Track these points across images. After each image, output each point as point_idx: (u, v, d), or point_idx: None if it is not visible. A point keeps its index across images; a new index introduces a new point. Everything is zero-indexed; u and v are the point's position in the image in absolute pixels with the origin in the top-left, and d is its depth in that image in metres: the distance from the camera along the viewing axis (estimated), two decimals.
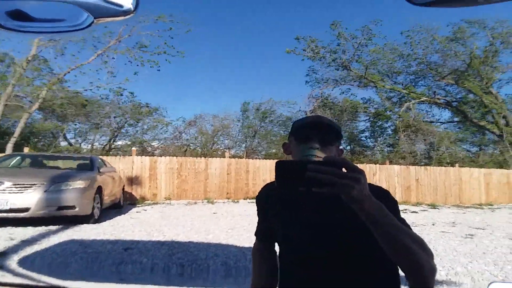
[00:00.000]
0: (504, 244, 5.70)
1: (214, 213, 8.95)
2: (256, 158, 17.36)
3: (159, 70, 17.28)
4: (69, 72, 16.25)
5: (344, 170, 0.83)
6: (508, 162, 19.51)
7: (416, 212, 10.46)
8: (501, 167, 18.60)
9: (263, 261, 1.42)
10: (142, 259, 4.39)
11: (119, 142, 21.69)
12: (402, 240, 0.89)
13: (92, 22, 0.68)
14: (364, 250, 1.07)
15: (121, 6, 0.66)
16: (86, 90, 17.30)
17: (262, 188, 1.39)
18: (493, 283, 0.93)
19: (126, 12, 0.67)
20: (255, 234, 1.46)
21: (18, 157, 8.44)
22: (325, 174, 0.80)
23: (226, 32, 35.52)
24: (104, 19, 0.69)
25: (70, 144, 20.45)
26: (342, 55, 20.62)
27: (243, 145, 23.86)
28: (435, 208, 12.26)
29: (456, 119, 23.86)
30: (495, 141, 22.10)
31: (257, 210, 1.41)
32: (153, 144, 21.93)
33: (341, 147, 1.26)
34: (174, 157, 12.80)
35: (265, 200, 1.34)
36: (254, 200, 1.42)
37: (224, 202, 11.77)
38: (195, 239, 5.60)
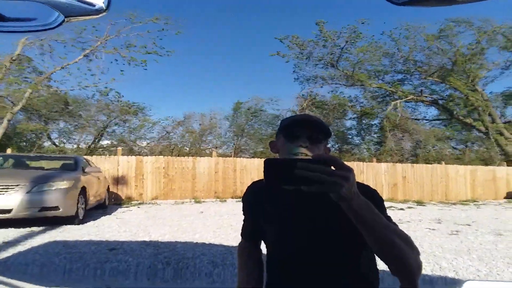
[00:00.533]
0: (489, 240, 5.76)
1: (201, 212, 8.89)
2: (244, 157, 17.35)
3: (145, 69, 17.11)
4: (55, 71, 16.02)
5: (333, 168, 0.81)
6: (493, 159, 19.82)
7: (403, 209, 10.54)
8: (486, 164, 18.91)
9: (250, 260, 1.41)
10: (127, 258, 4.32)
11: (105, 142, 21.45)
12: (389, 238, 0.89)
13: (63, 21, 0.68)
14: (352, 247, 1.08)
15: (93, 5, 0.65)
16: (72, 89, 17.09)
17: (249, 186, 1.38)
18: (468, 281, 0.92)
19: (98, 11, 0.66)
20: (241, 233, 1.44)
21: (0, 158, 8.27)
22: (314, 172, 0.79)
23: (214, 32, 35.44)
24: (75, 18, 0.68)
25: (54, 144, 20.14)
26: (329, 54, 20.66)
27: (231, 144, 23.81)
28: (421, 205, 12.38)
29: (442, 117, 24.14)
30: (481, 138, 22.43)
31: (244, 208, 1.39)
32: (139, 143, 21.73)
33: (328, 145, 1.25)
34: (161, 156, 12.69)
35: (253, 198, 1.33)
36: (241, 199, 1.40)
37: (211, 202, 11.71)
38: (182, 238, 5.54)
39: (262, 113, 24.13)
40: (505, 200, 15.21)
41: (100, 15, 0.67)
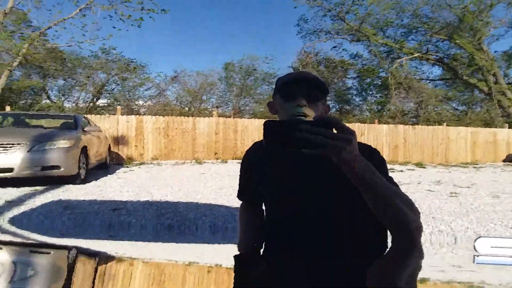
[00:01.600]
0: (487, 202, 5.82)
1: (202, 173, 8.94)
2: (243, 117, 17.28)
3: (139, 27, 16.70)
4: (50, 27, 15.63)
5: (334, 130, 0.80)
6: (495, 121, 19.74)
7: (403, 171, 10.62)
8: (488, 126, 18.85)
9: (251, 221, 1.41)
10: (130, 219, 4.37)
11: (104, 101, 21.30)
12: (389, 199, 0.89)
13: None
14: (351, 209, 1.07)
15: None
16: (69, 46, 16.70)
17: (250, 148, 1.36)
18: (480, 238, 0.91)
19: None
20: (240, 196, 1.45)
21: None
22: (316, 134, 0.77)
23: None
24: None
25: (53, 102, 20.00)
26: (339, 5, 19.95)
27: (230, 104, 23.66)
28: (421, 167, 12.45)
29: (446, 76, 23.81)
30: (484, 99, 22.25)
31: (243, 170, 1.38)
32: (138, 103, 21.59)
33: (327, 103, 1.22)
34: (161, 117, 12.60)
35: (252, 159, 1.31)
36: (241, 160, 1.38)
37: (212, 163, 11.77)
38: (184, 199, 5.59)
39: (256, 72, 23.73)
40: (504, 163, 15.28)
41: None
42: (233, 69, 23.64)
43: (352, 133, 0.81)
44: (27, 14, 15.73)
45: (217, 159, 12.50)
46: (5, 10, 14.23)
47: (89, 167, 7.55)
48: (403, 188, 0.97)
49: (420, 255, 0.94)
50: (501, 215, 4.86)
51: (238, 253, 1.29)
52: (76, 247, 1.17)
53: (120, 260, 1.08)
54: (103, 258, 1.05)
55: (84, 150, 7.20)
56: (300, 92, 1.10)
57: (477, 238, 0.91)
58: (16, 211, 4.67)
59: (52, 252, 1.09)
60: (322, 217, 1.09)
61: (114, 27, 16.49)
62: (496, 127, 17.56)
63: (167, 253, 1.29)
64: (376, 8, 19.97)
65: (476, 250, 0.91)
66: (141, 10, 15.88)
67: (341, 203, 1.08)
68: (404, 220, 0.91)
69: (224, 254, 1.34)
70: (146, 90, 21.84)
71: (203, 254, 1.34)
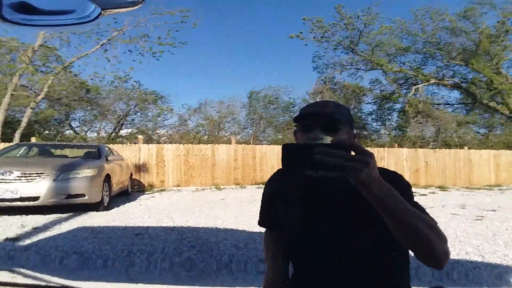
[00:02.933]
0: None
1: (222, 199, 8.97)
2: (262, 144, 17.37)
3: (158, 60, 17.23)
4: (74, 61, 16.25)
5: (352, 153, 0.80)
6: None
7: (425, 195, 10.42)
8: (510, 148, 18.43)
9: (275, 248, 1.39)
10: (153, 242, 4.41)
11: (125, 130, 21.77)
12: (413, 224, 0.86)
13: (100, 13, 0.67)
14: (373, 236, 1.04)
15: None
16: (92, 78, 17.34)
17: (273, 174, 1.36)
18: None
19: (134, 3, 0.66)
20: (261, 223, 1.42)
21: (25, 147, 8.48)
22: (333, 157, 0.77)
23: (230, 20, 35.31)
24: (112, 10, 0.68)
25: (76, 132, 20.54)
26: (348, 38, 20.27)
27: (249, 131, 23.88)
28: (444, 191, 12.20)
29: (465, 100, 23.57)
30: (505, 122, 21.84)
31: (265, 196, 1.36)
32: (158, 132, 21.98)
33: (354, 131, 1.21)
34: (181, 145, 12.80)
35: (276, 186, 1.30)
36: (262, 186, 1.38)
37: (232, 188, 11.80)
38: (205, 224, 5.62)
39: (277, 101, 24.16)
40: None
41: (136, 7, 0.67)
42: (256, 97, 24.12)
43: (370, 155, 0.80)
44: (56, 49, 16.44)
45: (236, 184, 12.53)
46: (33, 47, 14.88)
47: (112, 195, 7.69)
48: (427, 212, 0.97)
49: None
50: None
51: None
52: None
53: None
54: None
55: (107, 178, 7.35)
56: (316, 125, 1.10)
57: None
58: (41, 236, 4.77)
59: None
60: (344, 246, 1.07)
61: (134, 60, 17.05)
62: None
63: None
64: (387, 37, 20.19)
65: None
66: (159, 44, 16.48)
67: (365, 232, 1.05)
68: (429, 246, 0.89)
69: None
70: (167, 120, 22.34)
71: None
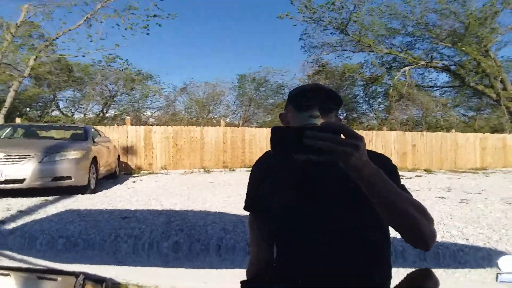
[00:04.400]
0: (498, 208, 5.77)
1: (210, 182, 8.97)
2: (251, 127, 17.32)
3: (148, 34, 16.66)
4: (57, 37, 15.72)
5: (342, 136, 0.78)
6: (504, 127, 19.56)
7: (412, 178, 10.55)
8: (496, 131, 18.69)
9: (262, 232, 1.35)
10: (140, 226, 4.40)
11: (112, 112, 21.48)
12: (401, 206, 0.86)
13: None
14: (358, 217, 1.05)
15: None
16: (76, 56, 16.77)
17: (260, 157, 1.34)
18: (504, 256, 0.91)
19: None
20: (247, 207, 1.40)
21: (10, 128, 8.32)
22: (323, 140, 0.76)
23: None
24: None
25: (62, 113, 20.22)
26: (338, 18, 19.98)
27: (238, 113, 23.77)
28: (431, 174, 12.37)
29: (453, 83, 23.69)
30: (492, 106, 22.07)
31: (251, 180, 1.35)
32: (146, 113, 21.73)
33: (339, 115, 1.21)
34: (169, 127, 12.70)
35: (263, 169, 1.28)
36: (250, 169, 1.36)
37: (220, 171, 11.80)
38: (193, 207, 5.61)
39: (268, 83, 23.96)
40: None
41: None
42: (244, 80, 23.84)
43: (360, 138, 0.79)
44: (39, 25, 15.90)
45: (225, 167, 12.53)
46: (17, 23, 14.43)
47: (99, 177, 7.62)
48: (413, 195, 0.97)
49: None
50: None
51: (245, 278, 1.26)
52: (83, 273, 1.18)
53: (126, 287, 1.09)
54: (109, 285, 1.07)
55: (94, 160, 7.27)
56: (314, 103, 1.10)
57: (501, 257, 0.91)
58: (26, 219, 4.72)
59: (59, 278, 1.10)
60: (331, 229, 1.07)
61: (123, 36, 16.56)
62: (505, 133, 17.39)
63: (175, 279, 1.30)
64: (376, 19, 19.97)
65: (499, 269, 0.91)
66: (147, 17, 15.85)
67: (350, 214, 1.05)
68: (417, 227, 0.90)
69: (234, 279, 1.33)
70: (155, 101, 22.02)
71: (211, 280, 1.34)
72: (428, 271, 1.09)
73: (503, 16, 20.16)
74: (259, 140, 13.09)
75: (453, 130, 16.00)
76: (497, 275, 0.90)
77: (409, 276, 1.13)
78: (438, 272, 1.17)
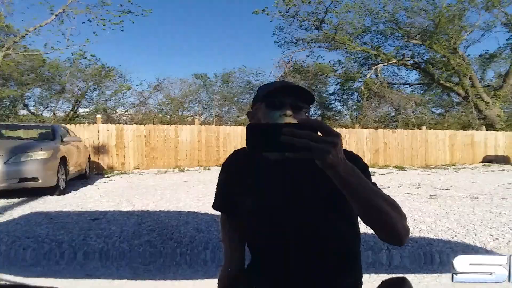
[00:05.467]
0: (466, 203, 5.93)
1: (185, 181, 8.87)
2: (226, 125, 17.25)
3: (122, 30, 16.29)
4: (26, 34, 15.20)
5: (319, 133, 0.77)
6: (472, 124, 20.17)
7: (384, 175, 10.75)
8: (465, 128, 19.25)
9: (232, 231, 1.37)
10: (110, 227, 4.30)
11: (83, 110, 20.92)
12: (376, 204, 0.87)
13: None
14: (334, 218, 1.07)
15: None
16: (46, 53, 16.24)
17: (229, 156, 1.32)
18: (459, 256, 0.92)
19: None
20: (218, 207, 1.39)
21: None
22: (301, 138, 0.74)
23: None
24: None
25: (30, 112, 19.56)
26: (314, 14, 20.02)
27: (212, 111, 23.63)
28: (402, 170, 12.63)
29: (423, 81, 24.25)
30: (461, 103, 22.71)
31: (222, 179, 1.34)
32: (118, 111, 21.28)
33: (309, 112, 1.20)
34: (142, 125, 12.49)
35: (234, 168, 1.28)
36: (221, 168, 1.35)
37: (195, 170, 11.70)
38: (166, 207, 5.53)
39: (243, 82, 23.87)
40: (482, 164, 15.63)
41: None
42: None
43: (337, 136, 0.77)
44: (3, 19, 15.29)
45: (200, 166, 12.43)
46: None
47: (68, 178, 7.41)
48: (384, 191, 0.97)
49: None
50: (480, 216, 4.95)
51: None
52: None
53: None
54: None
55: (63, 160, 7.06)
56: (286, 101, 1.09)
57: (456, 256, 0.91)
58: None
59: None
60: (304, 229, 1.07)
61: (94, 33, 16.14)
62: (473, 129, 17.96)
63: None
64: (351, 16, 20.21)
65: (454, 268, 0.91)
66: (121, 12, 15.46)
67: (324, 212, 1.06)
68: (391, 224, 0.90)
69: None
70: (127, 98, 21.57)
71: None
72: (403, 279, 1.10)
73: (470, 14, 20.74)
74: (233, 139, 13.05)
75: (424, 127, 16.38)
76: (452, 275, 0.90)
77: (384, 283, 1.13)
78: (409, 277, 1.17)
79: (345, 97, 25.73)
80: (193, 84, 22.98)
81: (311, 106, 1.16)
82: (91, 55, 18.33)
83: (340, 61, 23.72)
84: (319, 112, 25.05)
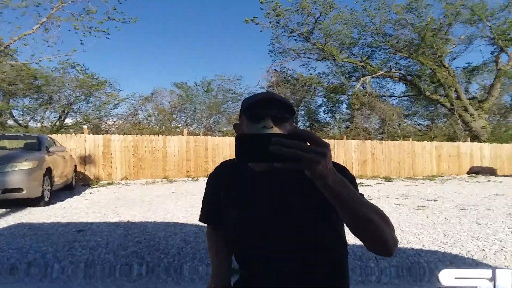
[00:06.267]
0: (453, 214, 5.98)
1: (173, 192, 8.80)
2: (214, 135, 17.22)
3: (108, 38, 16.27)
4: (12, 43, 15.06)
5: (308, 144, 0.76)
6: (457, 135, 20.46)
7: (371, 186, 10.80)
8: (451, 139, 19.52)
9: (221, 244, 1.35)
10: (96, 238, 4.23)
11: (70, 120, 20.67)
12: (365, 214, 0.86)
13: None
14: (322, 229, 1.06)
15: None
16: (32, 62, 16.09)
17: (217, 167, 1.32)
18: (444, 270, 0.92)
19: None
20: (205, 219, 1.38)
21: None
22: (290, 148, 0.73)
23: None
24: None
25: (17, 122, 19.27)
26: (303, 25, 20.23)
27: (201, 122, 23.59)
28: (389, 181, 12.71)
29: (410, 93, 24.60)
30: (446, 114, 23.05)
31: (209, 190, 1.33)
32: (107, 121, 21.07)
33: (295, 123, 1.20)
34: (129, 135, 12.40)
35: (221, 179, 1.27)
36: (207, 179, 1.34)
37: (184, 181, 11.62)
38: (153, 219, 5.48)
39: (229, 91, 23.86)
40: (468, 175, 15.83)
41: None
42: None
43: (326, 146, 0.77)
44: None
45: (189, 177, 12.36)
46: None
47: (54, 189, 7.30)
48: (373, 203, 0.97)
49: None
50: (466, 227, 4.99)
51: None
52: None
53: None
54: None
55: (48, 171, 6.96)
56: (266, 113, 1.08)
57: (441, 270, 0.91)
58: None
59: None
60: (292, 240, 1.07)
61: (80, 41, 16.16)
62: (459, 141, 18.22)
63: None
64: (339, 27, 20.45)
65: (439, 282, 0.91)
66: (106, 20, 15.45)
67: (312, 223, 1.06)
68: (380, 235, 0.90)
69: None
70: (113, 109, 21.41)
71: None
72: None
73: (455, 27, 21.16)
74: (222, 149, 13.03)
75: (410, 139, 16.57)
76: None
77: None
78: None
79: (332, 109, 25.95)
80: (181, 96, 22.98)
81: (293, 117, 1.15)
82: (77, 64, 18.25)
83: (325, 72, 24.00)
84: (307, 124, 25.19)
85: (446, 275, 0.90)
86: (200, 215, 1.39)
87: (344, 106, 25.47)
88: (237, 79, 23.56)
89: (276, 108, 1.09)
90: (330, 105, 25.82)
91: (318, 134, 20.75)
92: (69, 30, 15.81)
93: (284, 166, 0.75)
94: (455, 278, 0.91)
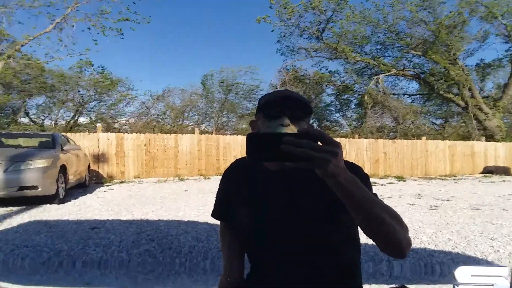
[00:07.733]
0: (467, 214, 5.91)
1: (185, 190, 8.85)
2: (226, 134, 17.25)
3: (122, 38, 16.44)
4: (26, 43, 15.28)
5: (319, 143, 0.76)
6: (471, 134, 20.17)
7: (384, 185, 10.73)
8: (465, 138, 19.25)
9: (233, 241, 1.37)
10: (109, 236, 4.28)
11: (84, 118, 20.92)
12: (378, 214, 0.85)
13: None
14: (333, 228, 1.06)
15: None
16: (47, 62, 16.34)
17: (230, 165, 1.33)
18: (460, 267, 0.91)
19: None
20: (218, 216, 1.39)
21: None
22: (301, 147, 0.73)
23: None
24: None
25: (32, 121, 19.57)
26: (315, 24, 20.10)
27: (212, 120, 23.61)
28: (402, 181, 12.61)
29: (423, 91, 24.29)
30: (460, 113, 22.71)
31: (221, 188, 1.34)
32: (119, 120, 21.27)
33: (310, 122, 1.20)
34: (142, 134, 12.50)
35: (234, 177, 1.28)
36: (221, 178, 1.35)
37: (195, 179, 11.68)
38: (165, 217, 5.52)
39: (238, 86, 23.72)
40: (482, 175, 15.60)
41: None
42: (212, 85, 23.69)
43: (338, 145, 0.77)
44: (4, 32, 15.43)
45: (200, 175, 12.41)
46: None
47: (68, 187, 7.40)
48: (385, 202, 0.96)
49: None
50: (481, 227, 4.93)
51: None
52: None
53: None
54: None
55: (63, 169, 7.06)
56: (284, 111, 1.07)
57: (457, 267, 0.91)
58: None
59: None
60: (302, 240, 1.07)
61: (94, 40, 16.28)
62: (473, 140, 17.96)
63: None
64: (352, 26, 20.26)
65: (456, 279, 0.90)
66: (120, 20, 15.60)
67: (322, 223, 1.05)
68: (393, 235, 0.88)
69: None
70: (127, 107, 21.61)
71: None
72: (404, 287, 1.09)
73: (470, 25, 20.77)
74: (233, 148, 13.06)
75: (424, 138, 16.39)
76: (453, 286, 0.89)
77: None
78: None
79: (343, 108, 25.79)
80: (193, 93, 23.02)
81: (310, 116, 1.15)
82: (91, 64, 18.48)
83: (337, 71, 23.82)
84: (317, 122, 25.09)
85: (462, 273, 0.89)
86: (212, 211, 1.40)
87: (355, 104, 25.28)
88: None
89: (293, 107, 1.09)
90: (341, 104, 25.66)
91: (329, 133, 20.74)
92: (83, 30, 16.00)
93: (295, 165, 0.75)
94: (472, 276, 0.90)
